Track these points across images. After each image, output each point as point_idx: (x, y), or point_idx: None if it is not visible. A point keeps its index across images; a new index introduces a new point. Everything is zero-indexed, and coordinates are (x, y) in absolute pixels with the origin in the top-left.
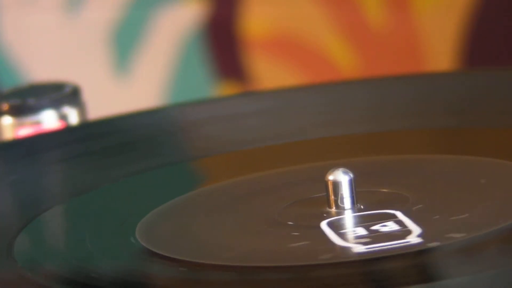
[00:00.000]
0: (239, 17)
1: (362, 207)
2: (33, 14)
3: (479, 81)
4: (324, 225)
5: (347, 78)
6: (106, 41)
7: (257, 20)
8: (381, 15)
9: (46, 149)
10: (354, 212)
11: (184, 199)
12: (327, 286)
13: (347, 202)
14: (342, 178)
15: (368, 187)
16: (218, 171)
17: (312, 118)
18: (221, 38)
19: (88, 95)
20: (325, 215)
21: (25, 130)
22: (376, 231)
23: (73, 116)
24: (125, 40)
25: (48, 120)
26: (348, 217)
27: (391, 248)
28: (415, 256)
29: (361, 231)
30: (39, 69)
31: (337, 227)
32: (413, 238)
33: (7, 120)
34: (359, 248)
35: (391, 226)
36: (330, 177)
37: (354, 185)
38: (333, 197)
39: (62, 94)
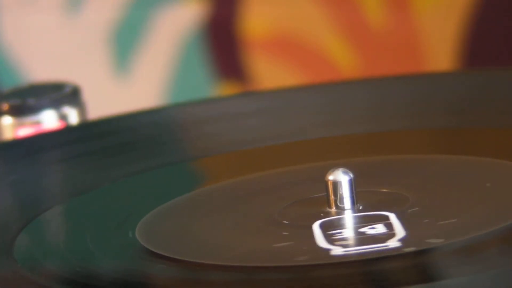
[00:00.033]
0: (239, 17)
1: (361, 207)
2: (33, 14)
3: (479, 81)
4: (315, 226)
5: (347, 78)
6: (106, 41)
7: (257, 20)
8: (381, 15)
9: (46, 149)
10: (353, 212)
11: (184, 199)
12: (327, 286)
13: (347, 202)
14: (342, 178)
15: (368, 187)
16: (218, 171)
17: (312, 118)
18: (221, 38)
19: (88, 95)
20: (322, 215)
21: (25, 130)
22: (363, 233)
23: (73, 116)
24: (125, 40)
25: (48, 120)
26: (342, 218)
27: (368, 252)
28: (415, 256)
29: (349, 233)
30: (39, 69)
31: (327, 228)
32: (393, 242)
33: (7, 120)
34: (337, 251)
35: (378, 229)
36: (330, 177)
37: (354, 185)
38: (333, 197)
39: (62, 94)
